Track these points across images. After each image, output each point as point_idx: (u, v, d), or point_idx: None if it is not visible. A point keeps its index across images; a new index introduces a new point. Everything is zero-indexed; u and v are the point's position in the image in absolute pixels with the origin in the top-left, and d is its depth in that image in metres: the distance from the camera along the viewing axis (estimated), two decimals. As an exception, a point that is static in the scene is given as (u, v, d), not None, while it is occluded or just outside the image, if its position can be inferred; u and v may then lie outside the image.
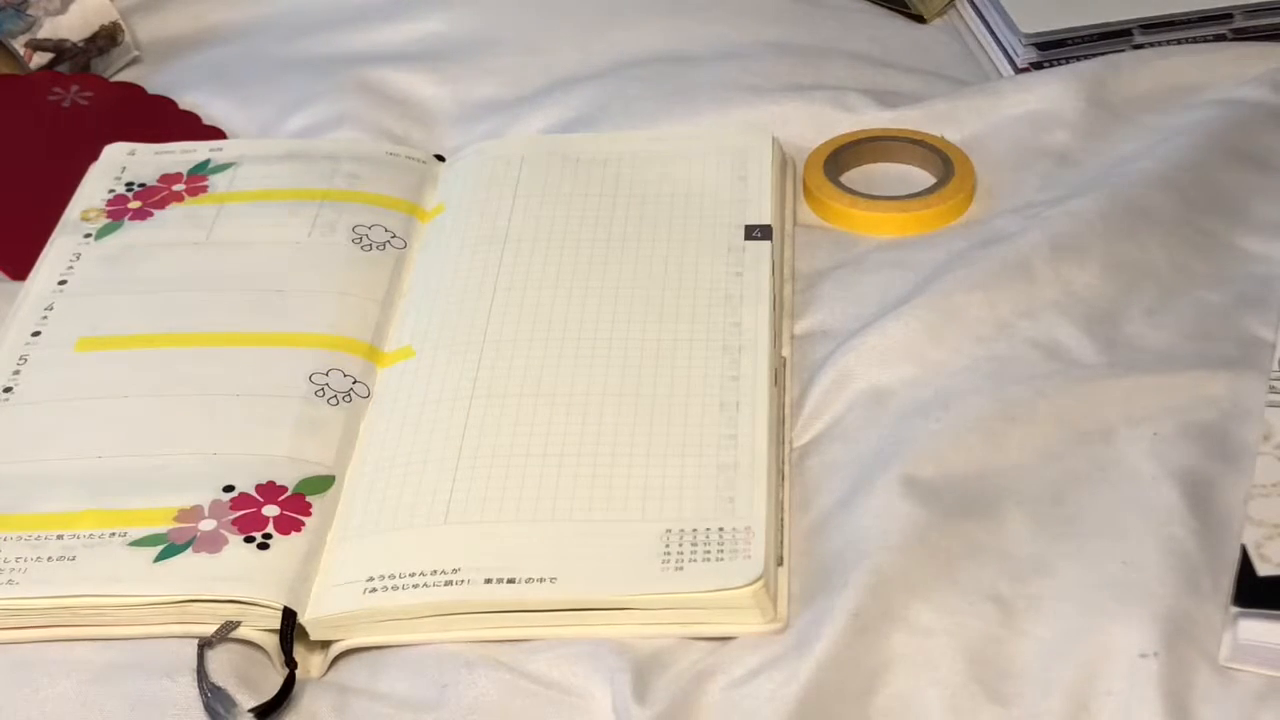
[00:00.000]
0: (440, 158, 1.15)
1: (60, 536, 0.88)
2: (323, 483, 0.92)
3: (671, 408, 0.93)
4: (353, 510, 0.90)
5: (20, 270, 1.08)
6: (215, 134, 1.19)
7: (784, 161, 1.11)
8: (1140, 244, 1.03)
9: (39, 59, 1.24)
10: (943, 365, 0.96)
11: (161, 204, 1.10)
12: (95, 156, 1.14)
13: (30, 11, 1.24)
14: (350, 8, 1.31)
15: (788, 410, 0.95)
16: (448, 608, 0.84)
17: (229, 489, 0.90)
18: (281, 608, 0.85)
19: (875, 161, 1.13)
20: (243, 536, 0.88)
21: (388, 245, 1.06)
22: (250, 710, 0.81)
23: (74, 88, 1.22)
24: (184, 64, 1.27)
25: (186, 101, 1.23)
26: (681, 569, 0.85)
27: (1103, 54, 1.18)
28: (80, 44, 1.25)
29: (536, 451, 0.91)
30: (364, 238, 1.06)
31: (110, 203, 1.10)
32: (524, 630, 0.84)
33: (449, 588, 0.85)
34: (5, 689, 0.83)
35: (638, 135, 1.14)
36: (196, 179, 1.11)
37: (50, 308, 1.02)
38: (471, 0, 1.30)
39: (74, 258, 1.06)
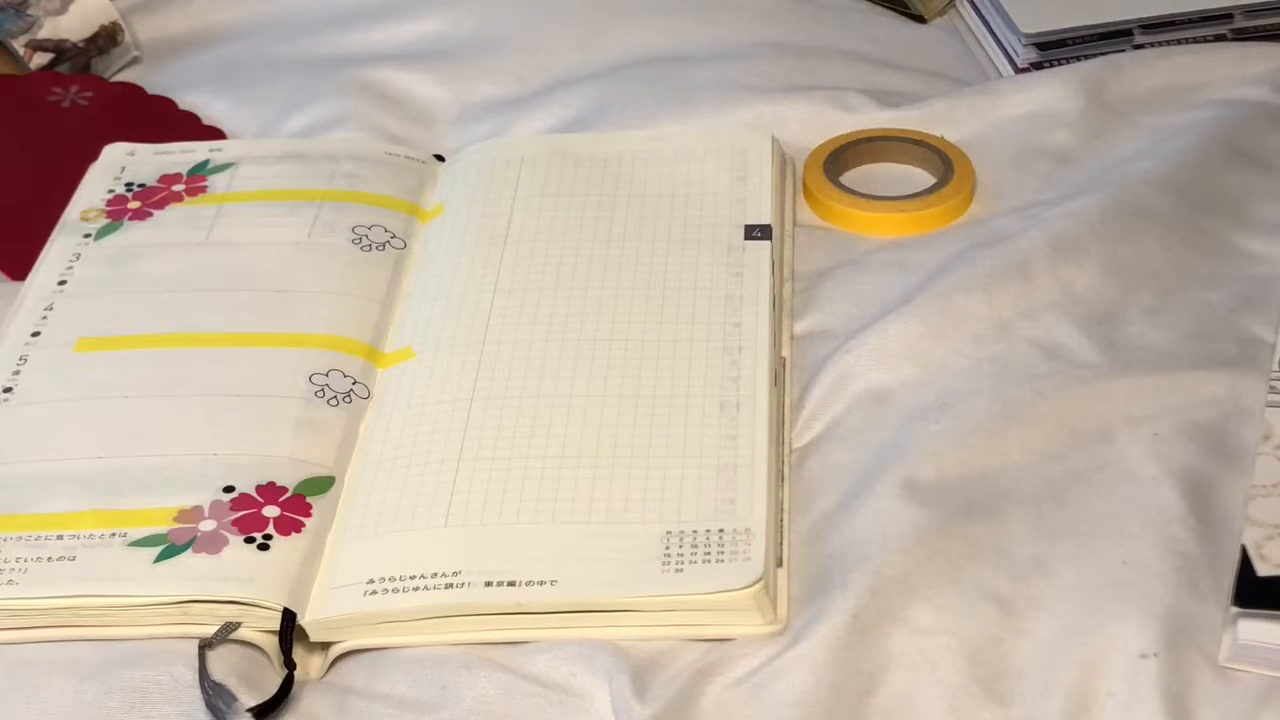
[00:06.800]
0: (440, 158, 1.15)
1: (60, 537, 0.88)
2: (323, 483, 0.92)
3: (671, 409, 0.93)
4: (353, 511, 0.90)
5: (20, 270, 1.08)
6: (215, 134, 1.19)
7: (784, 161, 1.11)
8: (1140, 244, 1.03)
9: (39, 59, 1.24)
10: (943, 366, 0.96)
11: (161, 204, 1.10)
12: (95, 156, 1.14)
13: (30, 11, 1.24)
14: (350, 8, 1.31)
15: (787, 411, 0.95)
16: (448, 610, 0.84)
17: (229, 489, 0.90)
18: (281, 609, 0.85)
19: (875, 161, 1.13)
20: (243, 537, 0.88)
21: (387, 245, 1.06)
22: (248, 710, 0.81)
23: (74, 88, 1.22)
24: (184, 64, 1.27)
25: (186, 101, 1.23)
26: (681, 571, 0.85)
27: (1103, 54, 1.18)
28: (80, 44, 1.25)
29: (536, 453, 0.91)
30: (364, 238, 1.06)
31: (110, 203, 1.10)
32: (524, 632, 0.85)
33: (449, 590, 0.85)
34: (5, 689, 0.83)
35: (638, 135, 1.14)
36: (196, 179, 1.11)
37: (50, 308, 1.02)
38: (471, 0, 1.30)
39: (74, 258, 1.06)
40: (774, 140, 1.11)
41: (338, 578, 0.87)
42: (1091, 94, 1.14)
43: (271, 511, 0.89)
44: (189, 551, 0.87)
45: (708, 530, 0.87)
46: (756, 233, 1.04)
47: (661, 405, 0.93)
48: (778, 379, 0.96)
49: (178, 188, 1.11)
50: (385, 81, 1.23)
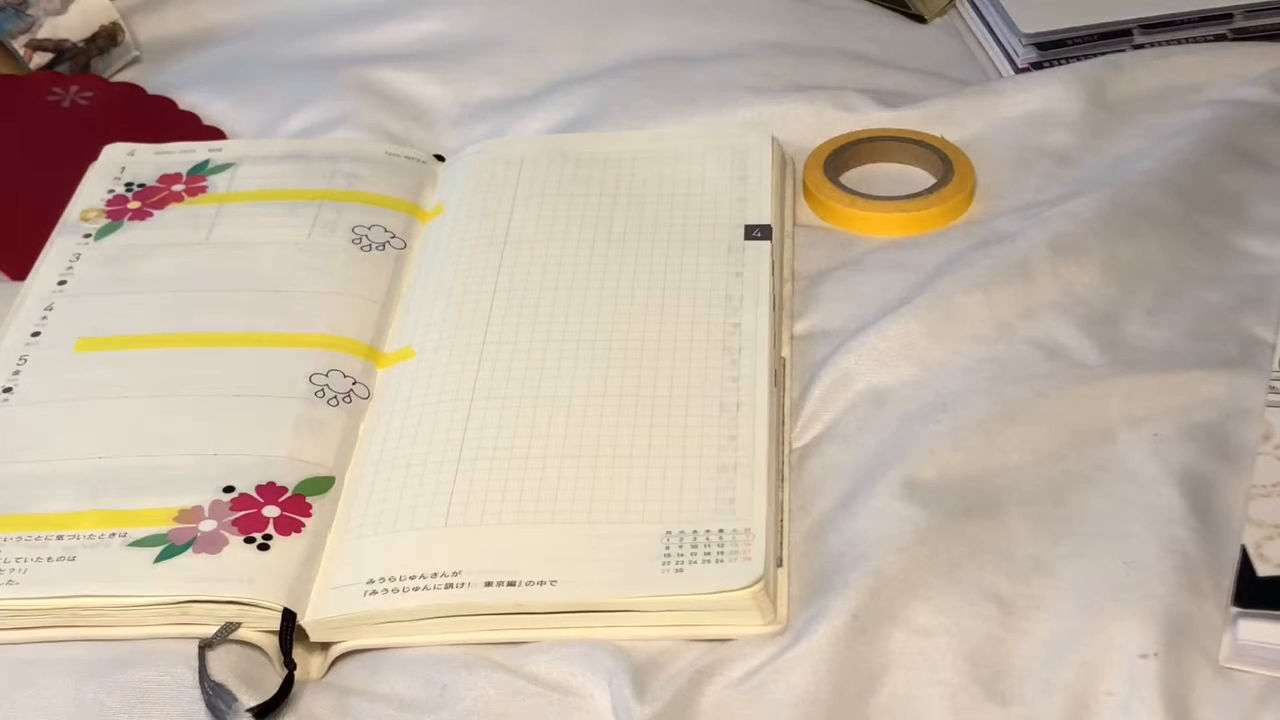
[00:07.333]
0: (440, 158, 1.15)
1: (60, 537, 0.88)
2: (323, 484, 0.92)
3: (671, 409, 0.93)
4: (353, 512, 0.90)
5: (20, 270, 1.08)
6: (215, 134, 1.19)
7: (784, 161, 1.11)
8: (1140, 244, 1.03)
9: (39, 59, 1.24)
10: (943, 366, 0.96)
11: (161, 204, 1.10)
12: (95, 156, 1.14)
13: (30, 11, 1.24)
14: (350, 8, 1.31)
15: (787, 411, 0.95)
16: (448, 610, 0.84)
17: (229, 489, 0.90)
18: (281, 609, 0.85)
19: (875, 161, 1.13)
20: (243, 537, 0.88)
21: (388, 245, 1.06)
22: (248, 710, 0.82)
23: (74, 88, 1.22)
24: (184, 64, 1.27)
25: (186, 101, 1.23)
26: (682, 571, 0.85)
27: (1103, 54, 1.18)
28: (80, 44, 1.25)
29: (536, 453, 0.91)
30: (364, 238, 1.06)
31: (110, 203, 1.10)
32: (524, 633, 0.85)
33: (449, 590, 0.85)
34: (5, 689, 0.83)
35: (638, 135, 1.14)
36: (196, 179, 1.11)
37: (50, 308, 1.02)
38: (471, 0, 1.30)
39: (74, 258, 1.06)
40: (774, 140, 1.11)
41: (338, 578, 0.87)
42: (1091, 94, 1.14)
43: (271, 511, 0.89)
44: (189, 551, 0.87)
45: (708, 530, 0.87)
46: (756, 233, 1.04)
47: (661, 405, 0.93)
48: (778, 379, 0.96)
49: (178, 188, 1.11)
50: (385, 81, 1.23)
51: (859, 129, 1.14)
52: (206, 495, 0.90)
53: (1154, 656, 0.81)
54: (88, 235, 1.08)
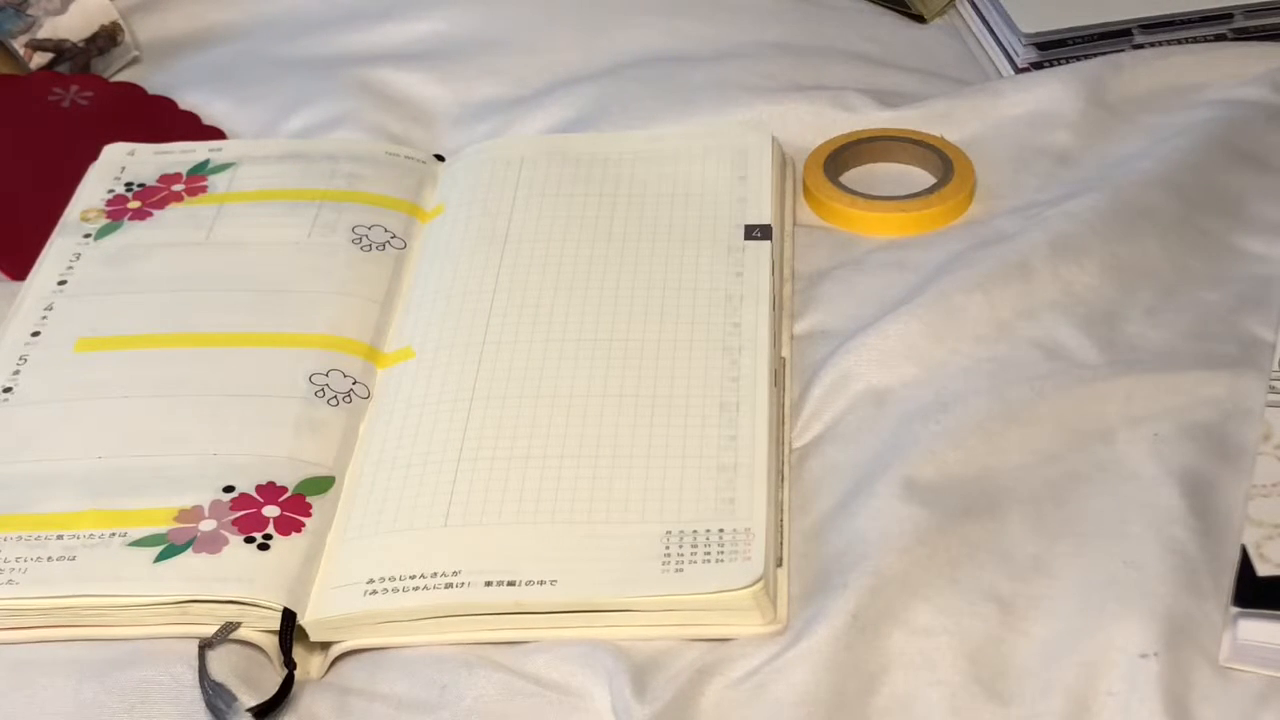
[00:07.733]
0: (440, 158, 1.15)
1: (60, 536, 0.88)
2: (323, 483, 0.92)
3: (671, 409, 0.93)
4: (353, 511, 0.90)
5: (20, 270, 1.08)
6: (215, 134, 1.19)
7: (784, 161, 1.11)
8: (1140, 244, 1.03)
9: (39, 59, 1.24)
10: (942, 366, 0.96)
11: (161, 204, 1.10)
12: (95, 156, 1.14)
13: (30, 11, 1.24)
14: (350, 8, 1.31)
15: (787, 411, 0.95)
16: (448, 610, 0.84)
17: (229, 489, 0.90)
18: (281, 609, 0.85)
19: (875, 161, 1.13)
20: (243, 537, 0.88)
21: (387, 245, 1.06)
22: (248, 710, 0.82)
23: (74, 88, 1.22)
24: (184, 64, 1.27)
25: (186, 101, 1.23)
26: (681, 570, 0.85)
27: (1103, 54, 1.18)
28: (80, 44, 1.25)
29: (536, 453, 0.91)
30: (364, 238, 1.06)
31: (110, 203, 1.10)
32: (524, 632, 0.85)
33: (449, 590, 0.85)
34: (5, 689, 0.83)
35: (638, 135, 1.14)
36: (196, 179, 1.11)
37: (50, 308, 1.02)
38: (471, 0, 1.30)
39: (74, 258, 1.06)
40: (774, 140, 1.11)
41: (338, 577, 0.87)
42: (1091, 94, 1.14)
43: (271, 511, 0.89)
44: (189, 551, 0.87)
45: (708, 530, 0.87)
46: (756, 233, 1.04)
47: (661, 405, 0.93)
48: (778, 379, 0.96)
49: (178, 188, 1.11)
50: (385, 81, 1.23)
51: (859, 129, 1.14)
52: (206, 495, 0.90)
53: (1154, 656, 0.81)
54: (88, 235, 1.08)
